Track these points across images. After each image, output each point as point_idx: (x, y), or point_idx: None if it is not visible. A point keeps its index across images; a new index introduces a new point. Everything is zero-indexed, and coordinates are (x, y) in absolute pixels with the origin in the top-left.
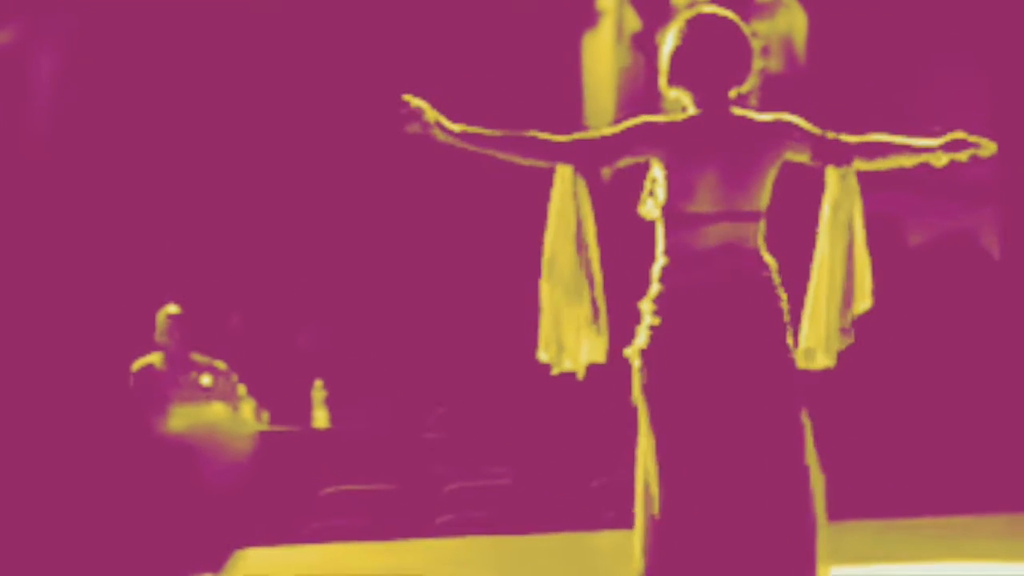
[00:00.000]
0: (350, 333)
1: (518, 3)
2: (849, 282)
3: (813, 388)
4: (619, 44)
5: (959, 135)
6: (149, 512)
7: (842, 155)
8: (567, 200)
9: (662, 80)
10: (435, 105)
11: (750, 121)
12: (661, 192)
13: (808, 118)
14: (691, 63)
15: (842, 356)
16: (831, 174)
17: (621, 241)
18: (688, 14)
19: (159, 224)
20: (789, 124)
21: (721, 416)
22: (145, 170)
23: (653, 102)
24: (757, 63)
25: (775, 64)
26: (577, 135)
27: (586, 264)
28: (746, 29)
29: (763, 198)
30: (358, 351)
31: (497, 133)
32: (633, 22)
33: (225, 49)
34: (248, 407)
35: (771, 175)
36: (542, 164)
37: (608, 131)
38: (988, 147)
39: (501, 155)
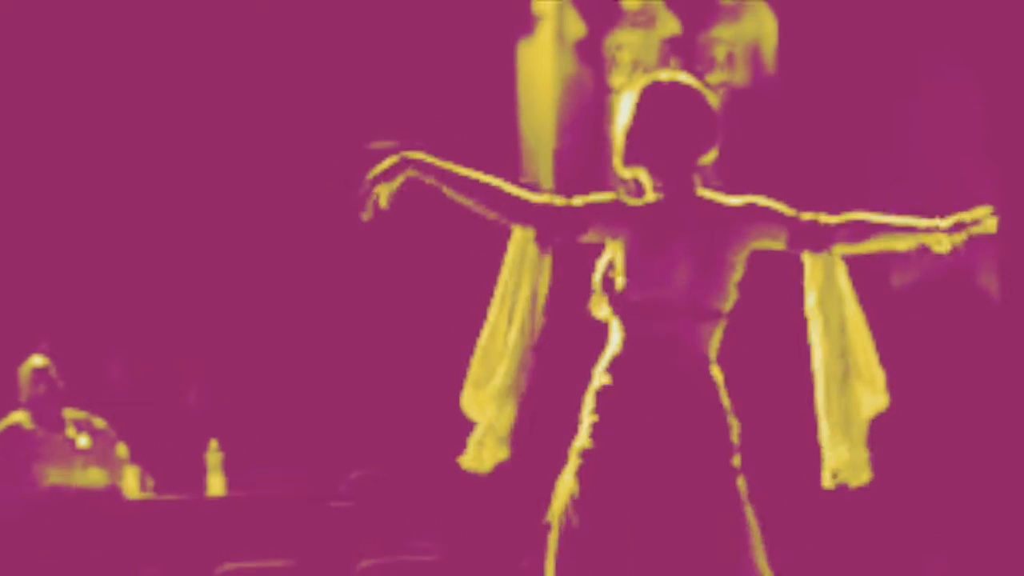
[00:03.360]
0: (249, 386)
1: (441, 8)
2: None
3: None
4: (560, 53)
5: (962, 217)
6: None
7: (822, 239)
8: (526, 269)
9: (617, 160)
10: (353, 119)
11: (718, 205)
12: (620, 280)
13: (779, 137)
14: (650, 141)
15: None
16: (810, 260)
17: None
18: (644, 82)
19: (23, 259)
20: (761, 208)
21: (658, 527)
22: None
23: (598, 118)
24: (721, 133)
25: (741, 76)
26: (547, 198)
27: (525, 349)
28: (711, 98)
29: (729, 296)
30: (259, 407)
31: (465, 171)
32: (576, 28)
33: (114, 64)
34: (131, 472)
35: (739, 268)
36: (502, 220)
37: (578, 201)
38: (990, 224)
39: (462, 197)
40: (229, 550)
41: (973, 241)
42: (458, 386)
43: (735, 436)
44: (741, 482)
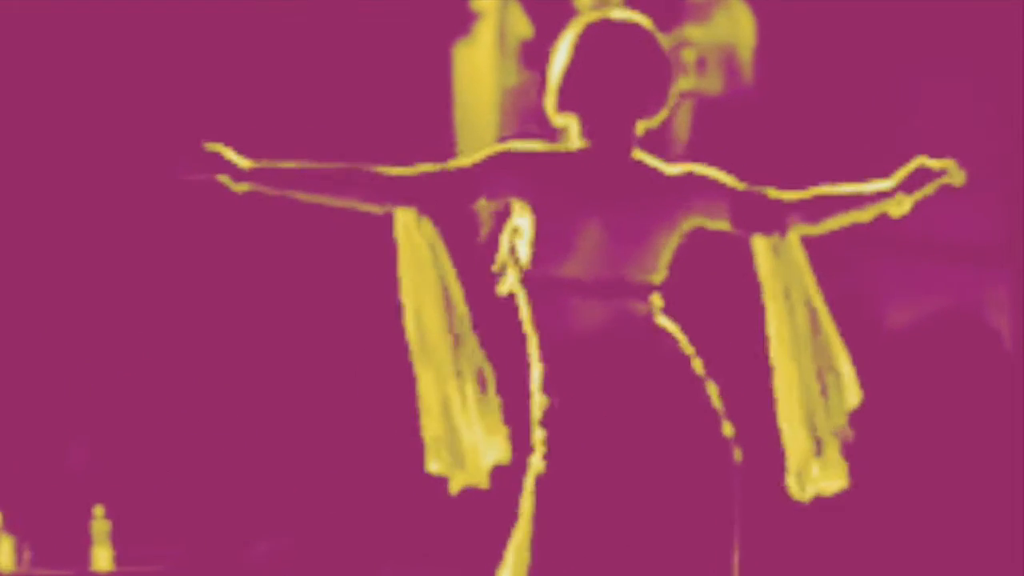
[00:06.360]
0: (140, 444)
1: (365, 3)
2: (822, 376)
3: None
4: (502, 56)
5: (918, 162)
6: None
7: (772, 218)
8: (419, 253)
9: (549, 103)
10: (267, 136)
11: (653, 171)
12: (524, 250)
13: (758, 153)
14: (587, 85)
15: None
16: (759, 245)
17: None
18: (589, 18)
19: None
20: (703, 179)
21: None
22: None
23: (545, 130)
24: (674, 91)
25: (713, 83)
26: (420, 167)
27: (462, 335)
28: (664, 43)
29: (659, 270)
30: (151, 468)
31: (307, 166)
32: (521, 27)
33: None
34: (5, 544)
35: (671, 243)
36: (374, 207)
37: (460, 162)
38: (956, 174)
39: (317, 197)
40: None
41: (983, 277)
42: (377, 444)
43: (717, 400)
44: (737, 461)
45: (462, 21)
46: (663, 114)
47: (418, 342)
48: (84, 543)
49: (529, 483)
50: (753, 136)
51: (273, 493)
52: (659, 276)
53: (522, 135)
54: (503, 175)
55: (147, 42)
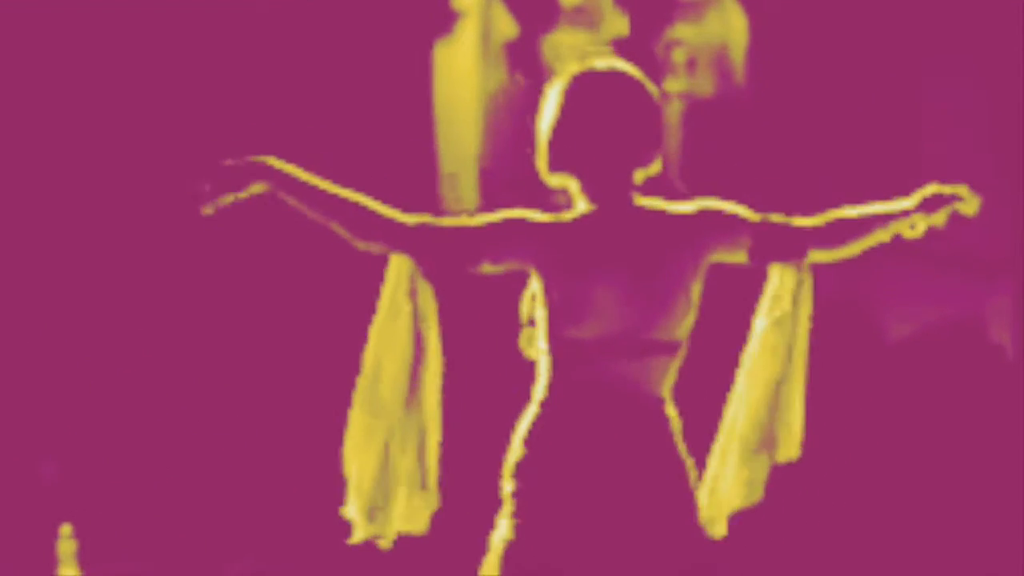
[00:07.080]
0: (108, 462)
1: (346, 2)
2: (772, 415)
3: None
4: (485, 56)
5: (933, 188)
6: None
7: (793, 246)
8: (401, 303)
9: (541, 165)
10: (248, 135)
11: (662, 215)
12: (541, 312)
13: (750, 157)
14: (581, 142)
15: (815, 493)
16: (778, 274)
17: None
18: (573, 69)
19: None
20: (718, 215)
21: None
22: None
23: (532, 136)
24: (664, 136)
25: (704, 85)
26: (426, 217)
27: (420, 395)
28: (652, 89)
29: (684, 322)
30: (119, 486)
31: (313, 179)
32: (505, 27)
33: None
34: None
35: (695, 288)
36: (370, 246)
37: (465, 222)
38: (971, 201)
39: (325, 218)
40: None
41: (985, 290)
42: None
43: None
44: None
45: (444, 20)
46: (657, 163)
47: (368, 388)
48: (50, 563)
49: (496, 546)
50: (745, 138)
51: (244, 514)
52: (684, 330)
53: (511, 141)
54: (511, 243)
55: (130, 40)
